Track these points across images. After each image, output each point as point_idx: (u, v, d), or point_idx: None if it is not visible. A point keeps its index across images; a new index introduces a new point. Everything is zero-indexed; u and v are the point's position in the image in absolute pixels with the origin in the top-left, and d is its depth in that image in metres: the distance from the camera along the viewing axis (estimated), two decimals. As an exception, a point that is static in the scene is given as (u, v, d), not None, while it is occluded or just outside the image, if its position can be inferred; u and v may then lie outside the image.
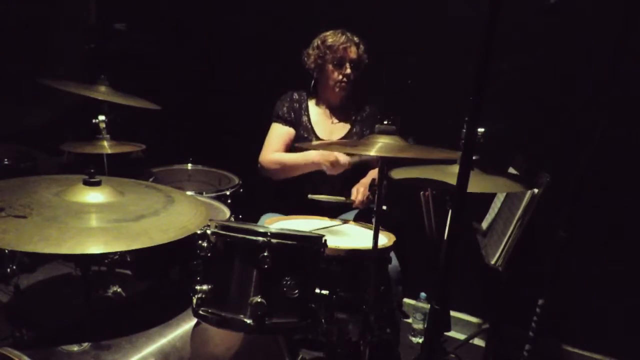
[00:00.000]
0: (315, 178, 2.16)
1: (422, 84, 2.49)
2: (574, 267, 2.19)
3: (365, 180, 2.24)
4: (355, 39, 2.23)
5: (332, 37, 2.21)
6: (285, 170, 2.20)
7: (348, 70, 2.20)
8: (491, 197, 2.23)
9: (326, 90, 2.29)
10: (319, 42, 2.23)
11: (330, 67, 2.21)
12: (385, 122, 1.54)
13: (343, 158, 2.06)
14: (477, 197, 1.46)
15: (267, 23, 2.91)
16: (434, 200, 1.99)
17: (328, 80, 2.24)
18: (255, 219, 2.20)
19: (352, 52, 2.20)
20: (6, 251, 1.54)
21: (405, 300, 2.65)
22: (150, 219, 1.25)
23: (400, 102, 2.51)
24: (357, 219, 2.12)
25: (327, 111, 2.33)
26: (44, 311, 1.64)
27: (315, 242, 1.33)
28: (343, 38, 2.19)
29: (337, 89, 2.23)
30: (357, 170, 2.25)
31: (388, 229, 1.85)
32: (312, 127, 2.28)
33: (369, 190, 2.06)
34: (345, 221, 2.05)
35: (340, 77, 2.20)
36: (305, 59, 2.28)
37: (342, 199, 2.07)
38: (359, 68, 2.24)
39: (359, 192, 2.12)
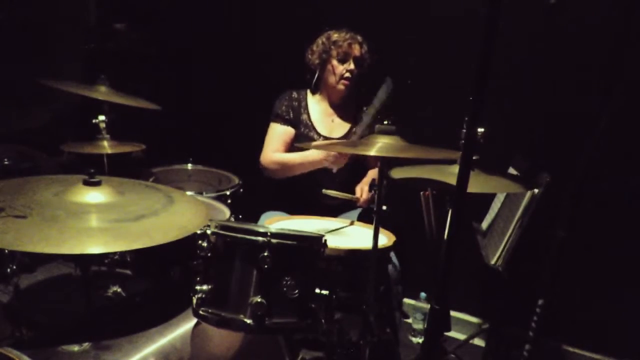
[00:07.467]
0: (318, 176, 2.16)
1: (422, 84, 2.49)
2: (574, 267, 2.19)
3: (368, 179, 2.26)
4: (359, 38, 2.26)
5: (337, 34, 2.25)
6: (285, 170, 2.22)
7: (352, 66, 2.21)
8: (491, 197, 2.23)
9: (328, 87, 2.30)
10: (324, 39, 2.26)
11: (334, 62, 2.23)
12: (385, 122, 1.54)
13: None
14: (477, 197, 1.46)
15: (268, 22, 2.91)
16: (434, 200, 1.99)
17: (331, 76, 2.25)
18: (255, 219, 2.20)
19: (356, 50, 2.23)
20: (6, 251, 1.54)
21: (405, 300, 2.65)
22: (150, 219, 1.25)
23: (400, 102, 2.50)
24: (360, 219, 2.12)
25: (328, 109, 2.34)
26: (44, 311, 1.64)
27: (315, 242, 1.32)
28: (348, 35, 2.24)
29: (340, 86, 2.24)
30: (359, 168, 2.25)
31: (388, 228, 1.85)
32: (312, 124, 2.29)
33: (369, 190, 2.07)
34: (346, 221, 2.05)
35: (344, 71, 2.21)
36: (309, 55, 2.30)
37: (351, 195, 2.11)
38: (362, 66, 2.25)
39: (363, 190, 2.14)
